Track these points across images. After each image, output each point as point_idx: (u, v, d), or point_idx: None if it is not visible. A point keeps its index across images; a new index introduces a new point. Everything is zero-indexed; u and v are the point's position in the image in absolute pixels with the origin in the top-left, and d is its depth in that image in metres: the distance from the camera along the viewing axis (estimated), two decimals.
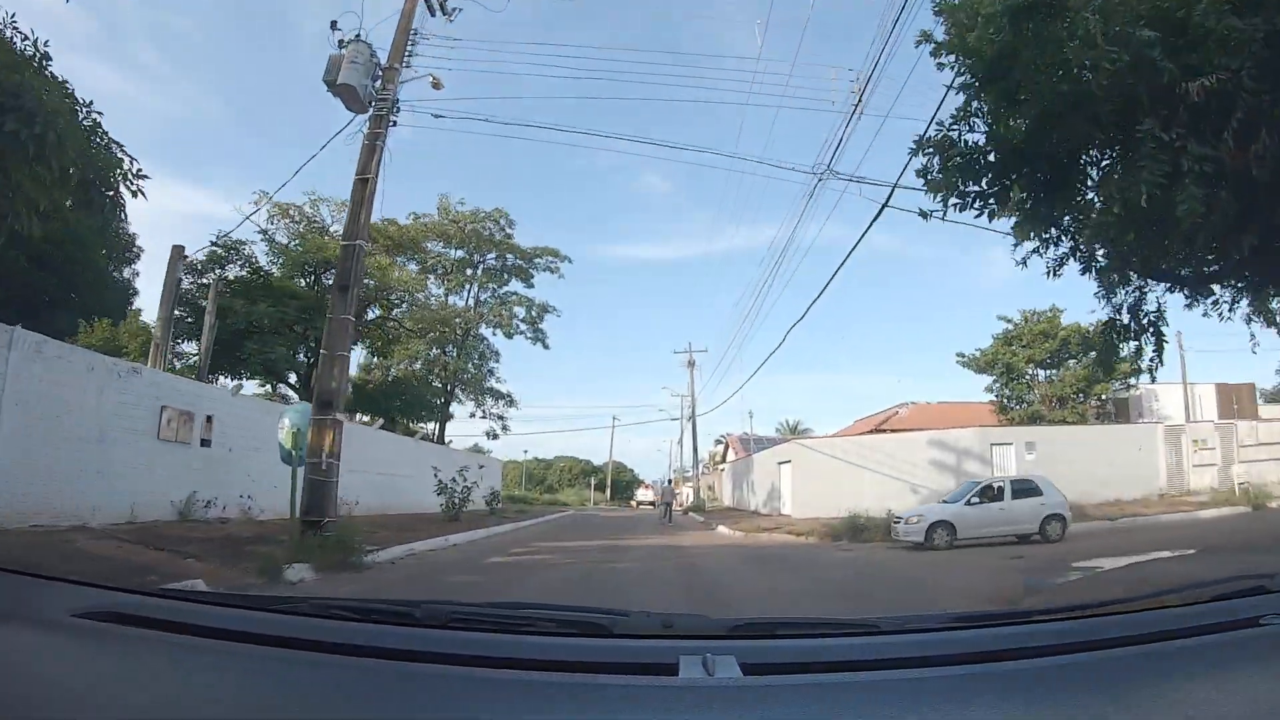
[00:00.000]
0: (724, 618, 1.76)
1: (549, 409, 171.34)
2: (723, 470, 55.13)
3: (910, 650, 1.53)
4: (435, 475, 24.10)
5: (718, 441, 69.02)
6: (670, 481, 42.39)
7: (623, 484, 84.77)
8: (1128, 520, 21.61)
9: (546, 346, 42.98)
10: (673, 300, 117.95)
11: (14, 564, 2.06)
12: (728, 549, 18.89)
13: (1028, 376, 34.99)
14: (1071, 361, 33.96)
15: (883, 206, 14.75)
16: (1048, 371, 35.01)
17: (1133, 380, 33.66)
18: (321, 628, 1.63)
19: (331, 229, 32.16)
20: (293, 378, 30.38)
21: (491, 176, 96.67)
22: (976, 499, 18.66)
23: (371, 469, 24.48)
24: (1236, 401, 39.09)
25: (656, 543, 20.66)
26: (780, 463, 33.65)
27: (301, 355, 28.42)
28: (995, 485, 19.33)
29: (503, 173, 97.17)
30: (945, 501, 19.40)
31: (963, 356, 36.09)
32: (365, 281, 30.43)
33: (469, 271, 42.06)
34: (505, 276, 42.21)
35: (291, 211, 31.80)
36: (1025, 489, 18.91)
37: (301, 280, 29.79)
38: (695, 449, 45.71)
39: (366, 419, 33.14)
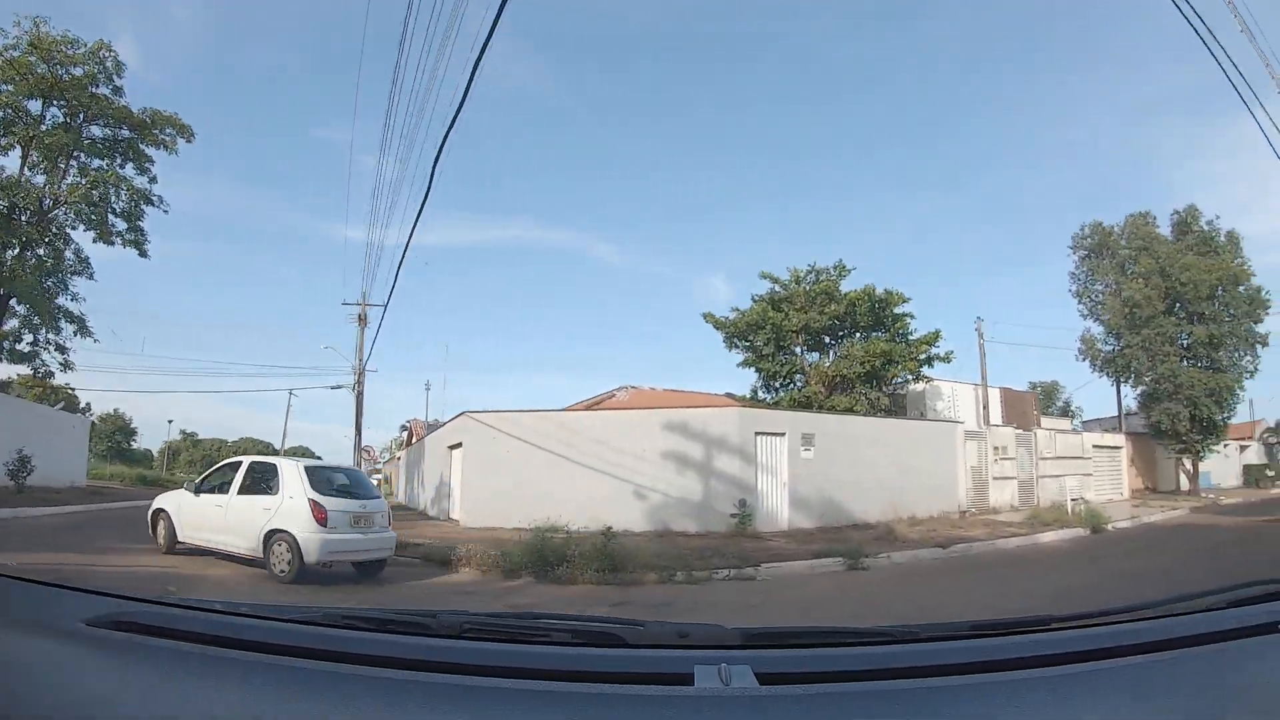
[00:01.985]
0: (739, 626, 1.70)
1: (211, 375, 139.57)
2: (399, 460, 45.57)
3: (926, 659, 1.51)
4: None
5: (403, 428, 57.45)
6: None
7: None
8: (962, 547, 15.29)
9: (144, 253, 29.08)
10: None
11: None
12: None
13: (798, 350, 27.21)
14: (857, 336, 26.57)
15: None
16: (817, 355, 27.47)
17: (924, 369, 27.00)
18: (336, 638, 1.63)
19: None
20: None
21: None
22: (207, 484, 12.15)
23: None
24: (1036, 409, 34.51)
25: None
26: (451, 447, 23.64)
27: None
28: (234, 465, 12.16)
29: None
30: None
31: (713, 318, 27.76)
32: None
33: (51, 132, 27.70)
34: (116, 158, 28.75)
35: None
36: (258, 479, 11.47)
37: None
38: (359, 427, 34.47)
39: None
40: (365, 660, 1.46)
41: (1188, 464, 33.02)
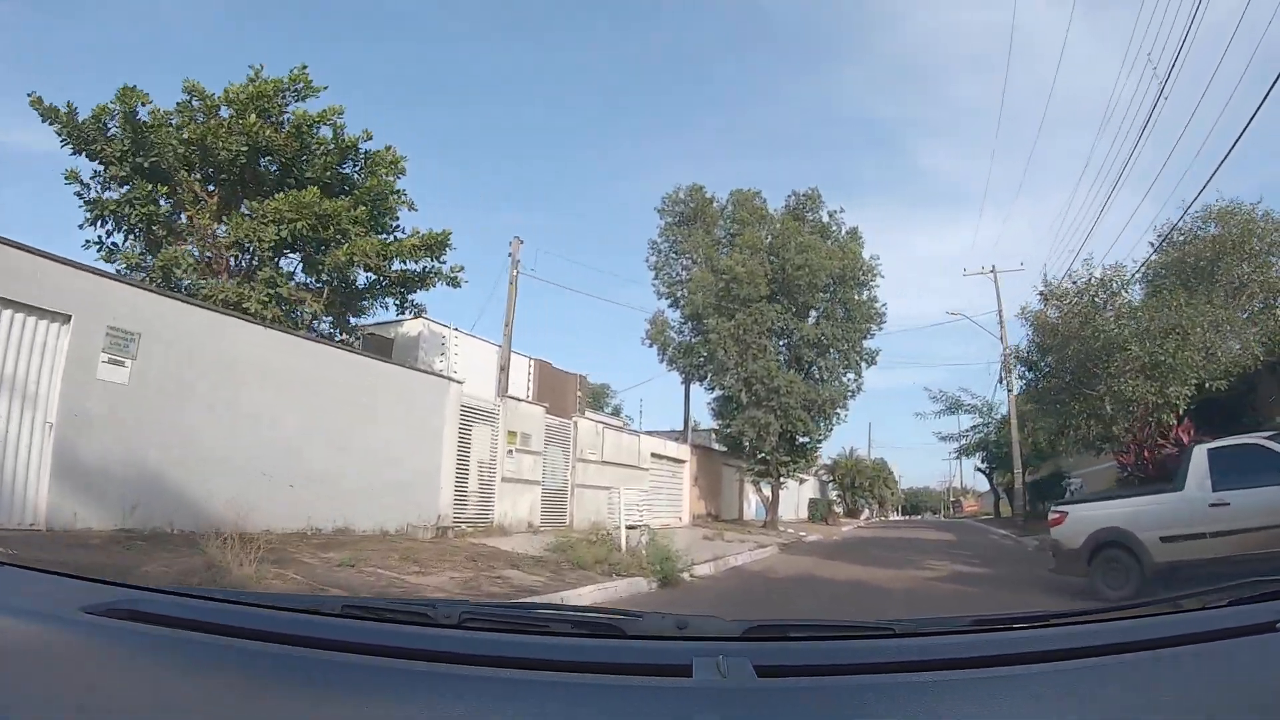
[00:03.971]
0: (738, 620, 1.61)
1: None
2: None
3: (927, 653, 1.43)
4: None
5: None
6: None
7: None
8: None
9: None
10: None
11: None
12: None
13: (193, 202, 13.94)
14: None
15: None
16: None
17: (417, 295, 15.95)
18: (335, 626, 1.57)
19: None
20: None
21: None
22: None
23: None
24: (581, 391, 25.68)
25: None
26: None
27: None
28: None
29: None
30: None
31: (44, 106, 13.07)
32: None
33: None
34: None
35: None
36: None
37: None
38: None
39: None
40: (364, 649, 1.39)
41: (765, 489, 26.59)
